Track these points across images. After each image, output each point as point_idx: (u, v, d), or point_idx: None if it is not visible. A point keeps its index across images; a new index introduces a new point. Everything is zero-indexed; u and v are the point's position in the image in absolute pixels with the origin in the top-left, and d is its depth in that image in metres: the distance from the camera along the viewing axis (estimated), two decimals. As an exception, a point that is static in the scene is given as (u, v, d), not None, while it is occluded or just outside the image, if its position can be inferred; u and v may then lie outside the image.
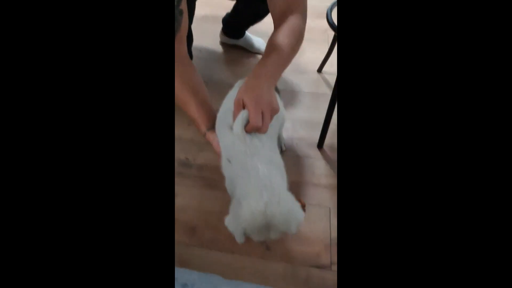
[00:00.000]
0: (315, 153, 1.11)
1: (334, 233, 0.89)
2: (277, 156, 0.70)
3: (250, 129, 0.65)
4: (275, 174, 0.63)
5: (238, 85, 0.82)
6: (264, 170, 0.61)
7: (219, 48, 1.49)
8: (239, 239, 0.60)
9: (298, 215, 0.62)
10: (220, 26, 1.46)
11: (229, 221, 0.62)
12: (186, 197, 0.98)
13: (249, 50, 1.46)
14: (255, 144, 0.65)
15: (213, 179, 1.02)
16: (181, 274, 0.38)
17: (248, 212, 0.58)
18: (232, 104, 0.69)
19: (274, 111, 0.67)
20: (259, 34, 1.47)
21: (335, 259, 0.84)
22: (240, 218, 0.58)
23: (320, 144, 1.12)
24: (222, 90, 1.32)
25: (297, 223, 0.61)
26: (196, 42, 1.25)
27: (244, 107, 0.66)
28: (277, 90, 0.77)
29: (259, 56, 1.45)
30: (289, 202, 0.61)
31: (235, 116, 0.67)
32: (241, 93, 0.66)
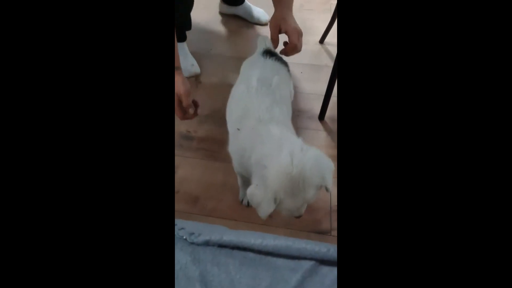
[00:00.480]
0: (316, 125, 1.11)
1: (334, 201, 0.91)
2: (289, 123, 0.73)
3: (291, 49, 0.82)
4: (287, 132, 0.64)
5: (244, 66, 0.87)
6: (276, 130, 0.62)
7: (217, 20, 1.46)
8: (268, 207, 0.54)
9: (327, 161, 0.58)
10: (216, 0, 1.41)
11: (253, 192, 0.57)
12: (188, 169, 0.99)
13: (248, 21, 1.42)
14: (274, 112, 0.67)
15: (214, 151, 1.03)
16: (187, 224, 0.39)
17: (276, 169, 0.53)
18: (237, 101, 0.75)
19: (302, 34, 0.84)
20: (259, 4, 1.43)
21: (334, 225, 0.86)
22: (268, 179, 0.54)
23: (321, 116, 1.12)
24: (221, 62, 1.31)
25: (330, 170, 0.57)
26: (194, 14, 1.22)
27: (280, 31, 0.82)
28: (273, 53, 0.86)
29: (259, 27, 1.42)
30: (313, 148, 0.58)
31: (274, 37, 0.83)
32: (277, 20, 0.83)
